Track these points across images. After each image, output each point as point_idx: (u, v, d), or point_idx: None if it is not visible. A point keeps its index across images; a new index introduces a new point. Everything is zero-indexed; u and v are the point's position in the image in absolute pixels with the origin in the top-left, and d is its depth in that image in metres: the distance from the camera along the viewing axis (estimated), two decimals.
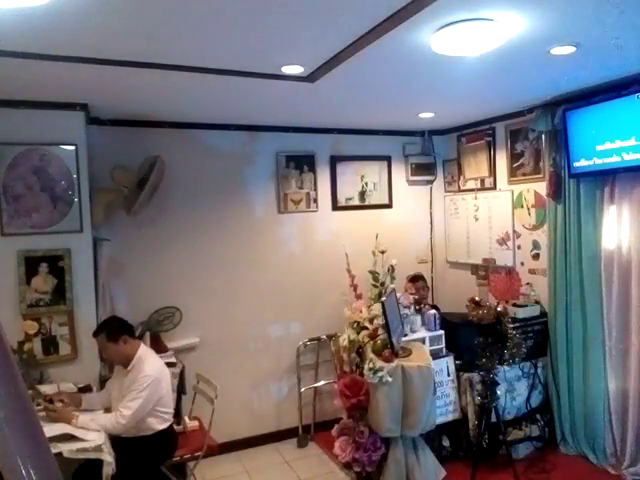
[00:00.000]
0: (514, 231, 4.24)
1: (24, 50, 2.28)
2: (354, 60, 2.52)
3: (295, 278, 4.40)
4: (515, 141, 4.17)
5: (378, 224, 4.55)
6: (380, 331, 3.42)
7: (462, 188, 4.80)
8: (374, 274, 3.74)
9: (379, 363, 3.14)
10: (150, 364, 2.95)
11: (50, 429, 2.58)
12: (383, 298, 3.23)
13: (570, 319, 3.70)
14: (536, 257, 4.06)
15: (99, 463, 2.58)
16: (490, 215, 4.46)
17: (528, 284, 4.06)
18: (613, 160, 3.26)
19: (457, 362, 3.74)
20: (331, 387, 4.32)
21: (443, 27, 2.13)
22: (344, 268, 3.99)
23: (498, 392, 3.49)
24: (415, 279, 4.42)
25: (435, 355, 3.59)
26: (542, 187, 3.89)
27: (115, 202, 3.64)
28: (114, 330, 2.94)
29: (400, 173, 4.89)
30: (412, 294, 3.79)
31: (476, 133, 4.57)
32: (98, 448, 2.59)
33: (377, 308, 3.46)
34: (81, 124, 3.32)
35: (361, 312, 3.66)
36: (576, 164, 3.51)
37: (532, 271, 4.09)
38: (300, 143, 4.42)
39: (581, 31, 2.29)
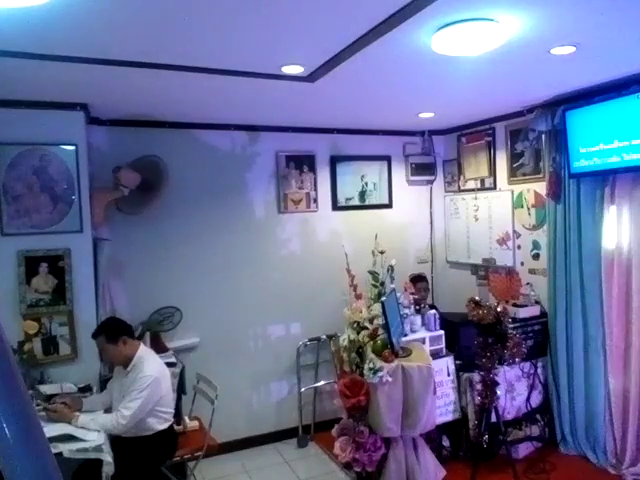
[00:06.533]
0: (514, 231, 4.24)
1: (24, 50, 2.28)
2: (354, 60, 2.52)
3: (295, 278, 4.40)
4: (515, 141, 4.17)
5: (378, 224, 4.55)
6: (380, 331, 3.41)
7: (462, 188, 4.79)
8: (374, 274, 3.74)
9: (379, 363, 3.14)
10: (150, 364, 2.95)
11: (50, 429, 2.58)
12: (383, 298, 3.23)
13: (570, 319, 3.70)
14: (536, 257, 4.06)
15: (99, 463, 2.59)
16: (490, 215, 4.46)
17: (528, 284, 4.06)
18: (613, 160, 3.26)
19: (457, 362, 3.73)
20: (331, 387, 4.32)
21: (443, 27, 2.13)
22: (344, 268, 3.99)
23: (498, 392, 3.49)
24: (417, 279, 4.43)
25: (435, 355, 3.59)
26: (542, 187, 3.89)
27: (118, 201, 3.64)
28: (113, 331, 2.94)
29: (400, 173, 4.89)
30: (412, 294, 3.79)
31: (476, 133, 4.57)
32: (98, 448, 2.59)
33: (377, 308, 3.46)
34: (81, 124, 3.32)
35: (361, 312, 3.65)
36: (576, 164, 3.51)
37: (532, 271, 4.09)
38: (300, 143, 4.42)
39: (581, 31, 2.29)
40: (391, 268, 3.65)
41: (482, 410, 3.52)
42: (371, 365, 3.15)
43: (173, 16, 1.96)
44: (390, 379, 3.09)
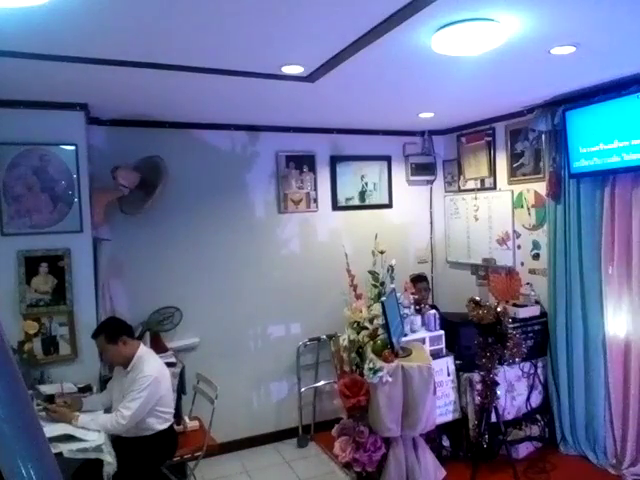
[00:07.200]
0: (514, 231, 4.24)
1: (24, 50, 2.28)
2: (354, 60, 2.52)
3: (295, 278, 4.40)
4: (515, 141, 4.17)
5: (378, 224, 4.55)
6: (380, 331, 3.41)
7: (462, 188, 4.79)
8: (374, 274, 3.74)
9: (379, 363, 3.13)
10: (150, 364, 2.95)
11: (50, 429, 2.59)
12: (383, 298, 3.23)
13: (570, 319, 3.70)
14: (536, 257, 4.06)
15: (99, 463, 2.59)
16: (490, 215, 4.46)
17: (528, 284, 4.06)
18: (613, 160, 3.26)
19: (457, 362, 3.73)
20: (331, 387, 4.32)
21: (443, 27, 2.13)
22: (344, 268, 3.99)
23: (498, 392, 3.49)
24: (417, 279, 4.43)
25: (435, 355, 3.59)
26: (542, 187, 3.89)
27: (121, 202, 3.64)
28: (113, 331, 2.94)
29: (400, 173, 4.89)
30: (412, 294, 3.79)
31: (476, 133, 4.57)
32: (98, 448, 2.59)
33: (377, 308, 3.46)
34: (81, 124, 3.32)
35: (361, 312, 3.65)
36: (576, 164, 3.51)
37: (532, 271, 4.09)
38: (300, 143, 4.42)
39: (581, 31, 2.29)
40: (391, 268, 3.65)
41: (482, 410, 3.52)
42: (371, 365, 3.15)
43: (173, 16, 1.96)
44: (390, 379, 3.08)
